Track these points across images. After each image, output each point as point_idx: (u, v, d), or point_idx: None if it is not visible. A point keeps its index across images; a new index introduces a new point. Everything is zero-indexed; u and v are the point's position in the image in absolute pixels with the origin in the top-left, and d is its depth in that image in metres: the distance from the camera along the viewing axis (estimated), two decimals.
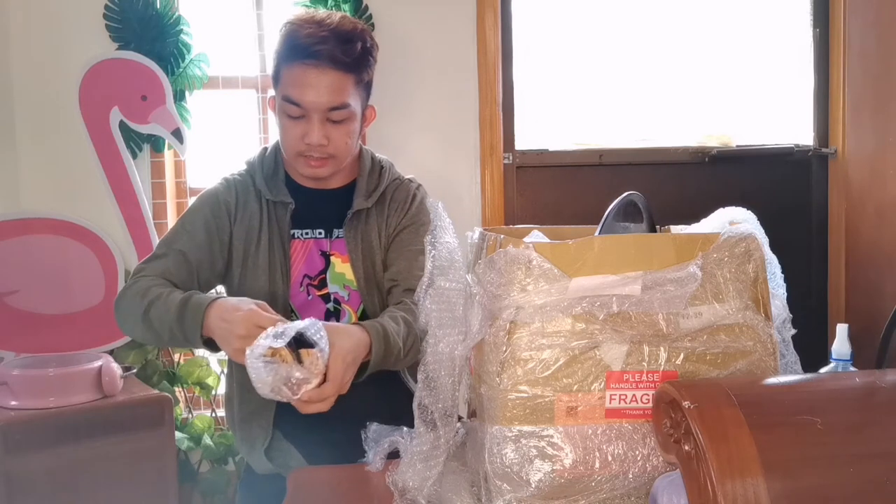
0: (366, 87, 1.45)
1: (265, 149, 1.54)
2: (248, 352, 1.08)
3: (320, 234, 1.47)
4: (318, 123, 1.38)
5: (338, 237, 1.48)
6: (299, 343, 1.12)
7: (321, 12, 1.44)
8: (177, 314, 1.27)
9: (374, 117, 1.54)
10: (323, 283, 1.47)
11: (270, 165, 1.50)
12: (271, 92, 1.47)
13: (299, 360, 1.10)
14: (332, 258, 1.47)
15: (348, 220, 1.46)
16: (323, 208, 1.48)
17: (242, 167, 1.53)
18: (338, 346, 1.16)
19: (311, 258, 1.47)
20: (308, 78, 1.35)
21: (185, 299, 1.28)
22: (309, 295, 1.46)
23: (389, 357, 1.28)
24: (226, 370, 1.60)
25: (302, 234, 1.47)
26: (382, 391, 1.43)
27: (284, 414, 1.38)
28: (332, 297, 1.47)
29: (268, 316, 1.18)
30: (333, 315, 1.47)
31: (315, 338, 1.12)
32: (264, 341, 1.08)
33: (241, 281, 1.45)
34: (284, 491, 1.14)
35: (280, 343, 1.08)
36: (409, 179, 1.56)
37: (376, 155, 1.57)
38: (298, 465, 1.36)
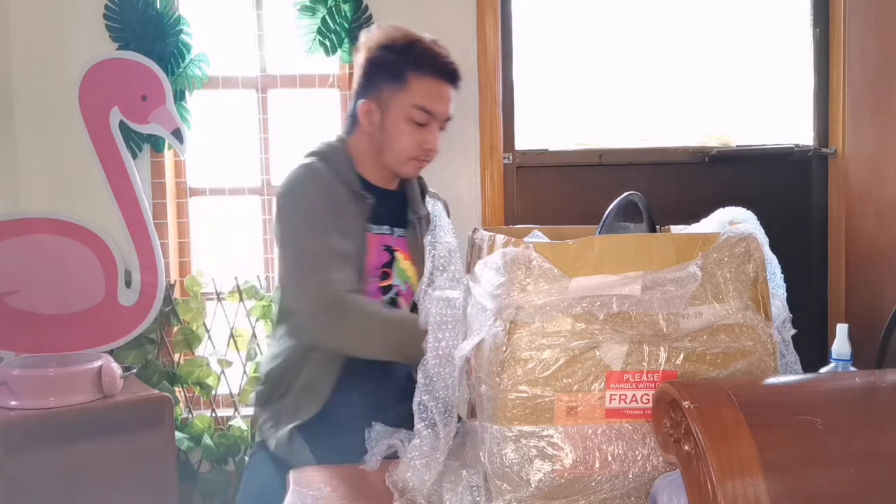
0: None
1: (330, 143, 1.62)
2: None
3: (386, 230, 1.60)
4: (435, 131, 1.57)
5: (399, 236, 1.62)
6: None
7: (425, 34, 1.60)
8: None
9: None
10: (385, 276, 1.58)
11: (345, 160, 1.59)
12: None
13: None
14: (397, 253, 1.60)
15: (411, 223, 1.63)
16: (388, 207, 1.61)
17: (309, 159, 1.57)
18: None
19: (378, 251, 1.58)
20: (444, 92, 1.56)
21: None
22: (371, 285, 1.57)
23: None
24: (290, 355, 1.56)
25: (374, 229, 1.58)
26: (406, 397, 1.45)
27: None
28: (393, 289, 1.58)
29: None
30: (391, 305, 1.58)
31: None
32: None
33: None
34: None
35: None
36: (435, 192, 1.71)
37: None
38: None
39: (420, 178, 1.71)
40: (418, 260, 1.59)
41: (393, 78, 1.54)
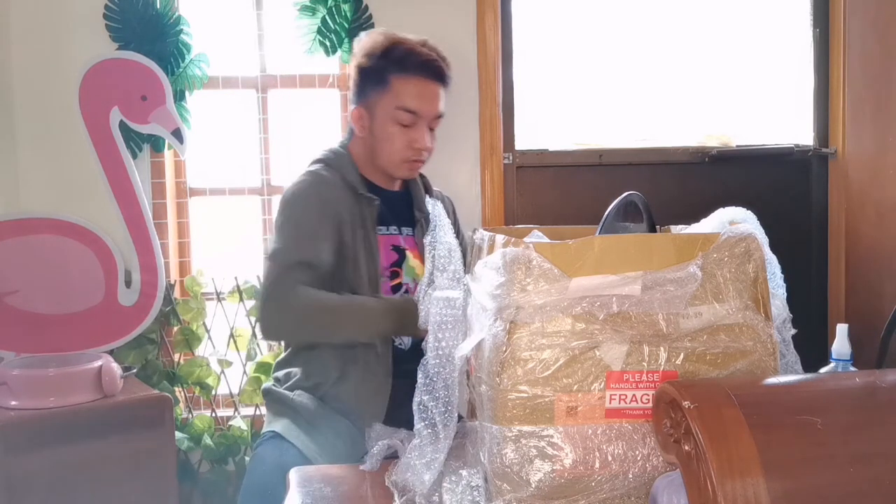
0: None
1: (333, 150, 1.67)
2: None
3: (394, 230, 1.65)
4: (424, 130, 1.60)
5: (407, 235, 1.67)
6: None
7: (410, 36, 1.62)
8: (398, 312, 1.46)
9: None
10: (394, 275, 1.64)
11: (349, 165, 1.64)
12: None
13: None
14: (407, 252, 1.65)
15: (418, 221, 1.68)
16: (394, 207, 1.66)
17: (315, 166, 1.63)
18: None
19: (387, 251, 1.63)
20: (427, 90, 1.58)
21: (402, 300, 1.51)
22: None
23: None
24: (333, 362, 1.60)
25: (382, 231, 1.63)
26: None
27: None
28: (403, 286, 1.64)
29: None
30: None
31: None
32: None
33: (339, 268, 1.54)
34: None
35: None
36: (439, 191, 1.79)
37: None
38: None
39: (423, 177, 1.74)
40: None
41: (377, 82, 1.59)
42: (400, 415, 1.36)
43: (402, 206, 1.69)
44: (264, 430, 1.60)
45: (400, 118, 1.58)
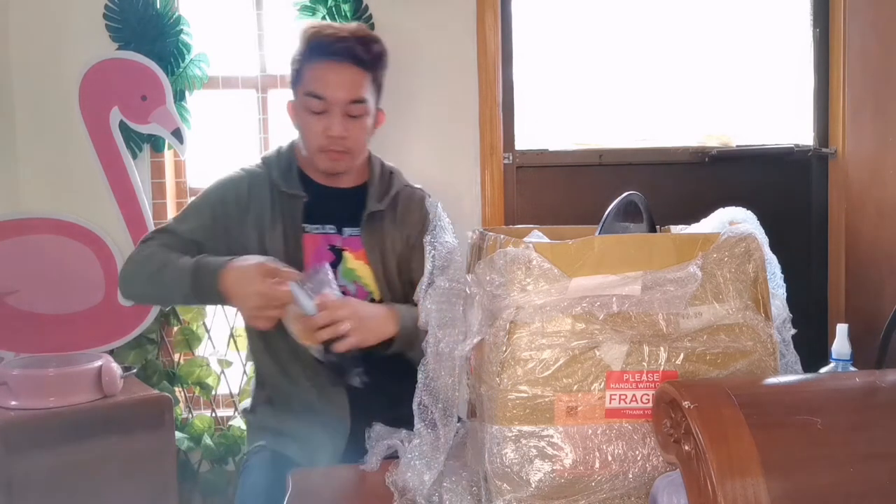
0: (378, 89, 1.57)
1: (279, 147, 1.63)
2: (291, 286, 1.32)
3: (331, 229, 1.56)
4: (339, 117, 1.49)
5: (351, 235, 1.56)
6: None
7: (333, 24, 1.59)
8: (192, 274, 1.42)
9: (383, 121, 1.63)
10: None
11: (286, 162, 1.59)
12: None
13: None
14: (345, 253, 1.55)
15: (365, 220, 1.55)
16: (335, 205, 1.57)
17: (258, 161, 1.62)
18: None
19: (320, 252, 1.54)
20: (331, 73, 1.48)
21: (195, 262, 1.44)
22: None
23: (420, 333, 1.33)
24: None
25: (313, 229, 1.55)
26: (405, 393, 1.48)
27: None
28: (340, 289, 1.53)
29: (276, 267, 1.37)
30: None
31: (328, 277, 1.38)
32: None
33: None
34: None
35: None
36: (419, 189, 1.66)
37: (385, 161, 1.67)
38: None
39: (391, 173, 1.65)
40: (375, 259, 1.55)
41: (294, 74, 1.55)
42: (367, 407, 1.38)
43: (349, 204, 1.58)
44: (248, 447, 1.60)
45: (310, 105, 1.50)
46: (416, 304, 1.42)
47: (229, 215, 1.55)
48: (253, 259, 1.40)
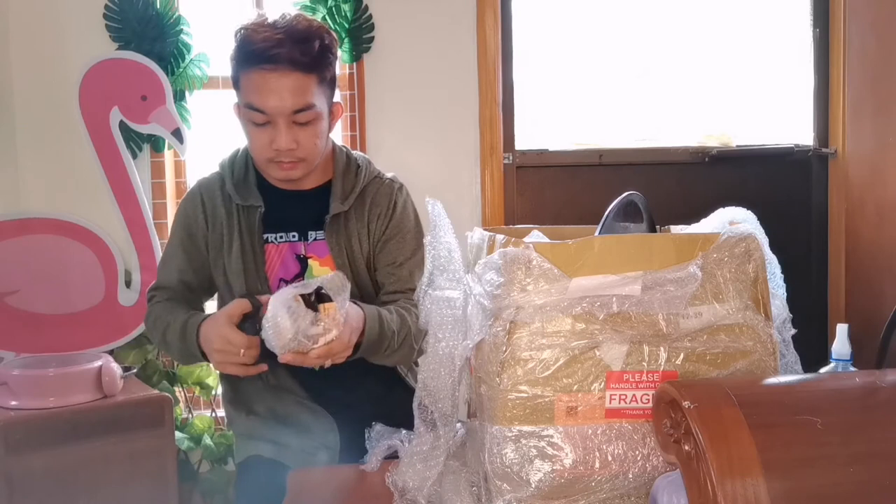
0: (329, 85, 1.41)
1: (237, 150, 1.50)
2: (272, 299, 1.14)
3: (294, 237, 1.45)
4: (284, 128, 1.33)
5: (315, 239, 1.45)
6: (319, 299, 1.15)
7: (275, 15, 1.38)
8: (180, 336, 1.36)
9: (341, 114, 1.50)
10: None
11: (241, 168, 1.47)
12: (234, 98, 1.42)
13: (315, 311, 1.14)
14: (310, 261, 1.45)
15: (328, 223, 1.43)
16: (297, 211, 1.45)
17: (215, 169, 1.50)
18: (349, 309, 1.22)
19: (286, 262, 1.44)
20: (269, 83, 1.31)
21: (184, 322, 1.36)
22: None
23: (384, 340, 1.31)
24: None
25: (276, 238, 1.44)
26: (388, 391, 1.47)
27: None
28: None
29: (232, 326, 1.24)
30: None
31: (332, 292, 1.15)
32: (290, 290, 1.13)
33: (221, 285, 1.47)
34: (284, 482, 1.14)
35: (306, 290, 1.13)
36: (389, 179, 1.51)
37: (353, 153, 1.52)
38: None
39: (359, 166, 1.49)
40: (342, 263, 1.43)
41: (233, 80, 1.40)
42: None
43: (312, 206, 1.44)
44: (239, 457, 1.53)
45: (251, 117, 1.34)
46: (383, 304, 1.39)
47: (197, 245, 1.46)
48: (230, 305, 1.28)
